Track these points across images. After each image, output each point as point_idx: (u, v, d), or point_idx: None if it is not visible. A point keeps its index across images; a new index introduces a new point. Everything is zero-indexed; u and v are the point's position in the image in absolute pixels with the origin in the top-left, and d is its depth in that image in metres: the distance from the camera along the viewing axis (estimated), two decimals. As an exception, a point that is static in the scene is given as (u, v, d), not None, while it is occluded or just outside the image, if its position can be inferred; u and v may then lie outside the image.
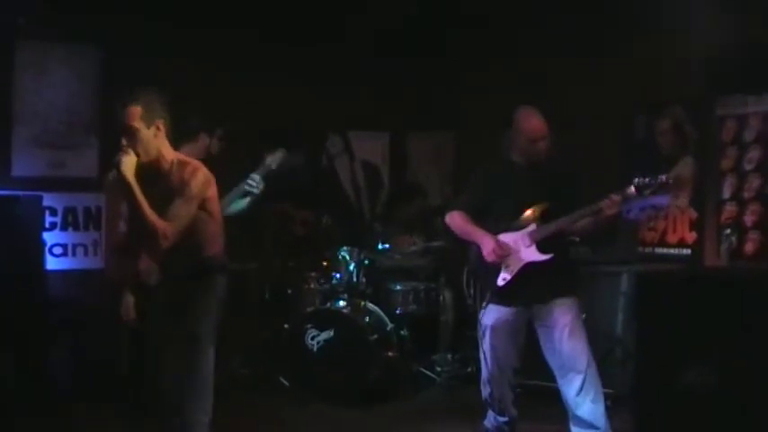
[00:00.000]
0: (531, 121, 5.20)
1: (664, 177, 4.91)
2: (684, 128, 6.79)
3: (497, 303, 5.27)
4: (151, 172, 4.33)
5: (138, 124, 4.28)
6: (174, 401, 4.48)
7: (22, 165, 7.02)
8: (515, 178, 5.27)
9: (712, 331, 4.52)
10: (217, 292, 4.56)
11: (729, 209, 6.37)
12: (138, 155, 4.25)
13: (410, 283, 7.25)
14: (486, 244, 5.16)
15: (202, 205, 4.43)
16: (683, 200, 6.68)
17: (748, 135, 6.32)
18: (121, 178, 4.20)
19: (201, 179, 4.40)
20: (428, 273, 7.41)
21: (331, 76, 8.10)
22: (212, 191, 4.50)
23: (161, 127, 4.36)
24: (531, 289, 5.12)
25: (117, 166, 4.21)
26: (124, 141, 4.27)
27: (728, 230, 6.29)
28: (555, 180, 5.18)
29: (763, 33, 6.04)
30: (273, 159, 5.94)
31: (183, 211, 4.30)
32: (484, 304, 5.33)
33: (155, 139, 4.34)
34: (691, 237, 6.64)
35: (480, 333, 5.40)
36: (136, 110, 4.29)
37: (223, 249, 4.61)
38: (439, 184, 8.85)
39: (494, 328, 5.29)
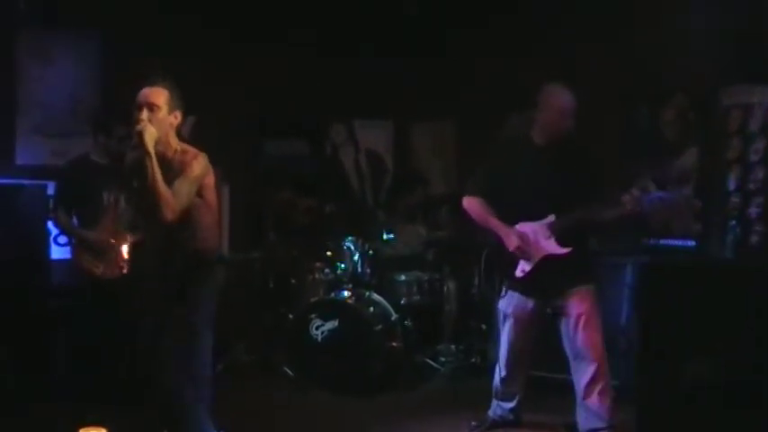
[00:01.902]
0: (563, 96, 5.12)
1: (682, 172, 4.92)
2: (689, 118, 6.77)
3: (517, 291, 5.28)
4: (157, 158, 4.36)
5: (161, 105, 4.41)
6: (172, 391, 4.50)
7: (26, 153, 7.01)
8: (532, 161, 5.19)
9: (717, 322, 4.51)
10: (214, 284, 4.58)
11: (734, 200, 6.36)
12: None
13: (414, 273, 7.24)
14: (510, 240, 5.13)
15: (199, 191, 4.50)
16: (688, 191, 6.67)
17: (754, 125, 6.29)
18: (143, 146, 4.28)
19: (202, 163, 4.50)
20: (432, 263, 7.40)
21: (335, 65, 8.08)
22: (210, 179, 4.56)
23: (178, 117, 4.49)
24: (549, 280, 5.12)
25: (139, 135, 4.30)
26: (144, 116, 4.36)
27: (733, 222, 6.28)
28: (574, 164, 5.12)
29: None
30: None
31: (185, 188, 4.39)
32: (503, 291, 5.34)
33: (170, 126, 4.47)
34: (695, 228, 6.63)
35: (500, 319, 5.43)
36: (163, 92, 4.44)
37: (219, 242, 4.64)
38: (442, 174, 8.84)
39: (513, 316, 5.33)
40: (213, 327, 4.56)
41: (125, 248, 5.88)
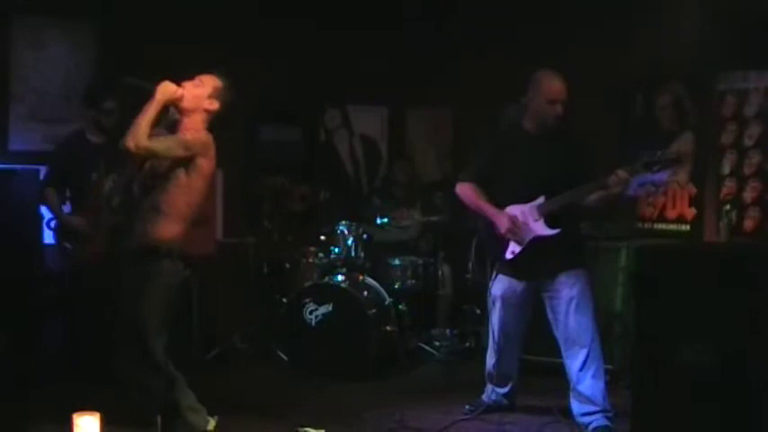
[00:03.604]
0: (553, 82, 5.15)
1: (673, 154, 4.91)
2: (684, 103, 6.77)
3: (506, 274, 5.28)
4: (173, 127, 4.54)
5: (206, 85, 4.58)
6: (135, 381, 4.51)
7: (19, 139, 6.99)
8: (524, 147, 5.22)
9: (711, 307, 4.50)
10: (163, 278, 4.51)
11: (729, 185, 6.37)
12: (180, 99, 4.51)
13: (409, 257, 7.25)
14: (501, 221, 5.14)
15: (193, 162, 4.50)
16: (683, 176, 6.67)
17: (749, 111, 6.30)
18: (152, 88, 4.41)
19: (200, 138, 4.55)
20: (427, 247, 7.40)
21: (330, 50, 8.06)
22: (205, 162, 4.56)
23: (215, 107, 4.61)
24: (539, 262, 5.13)
25: (157, 84, 4.42)
26: (187, 84, 4.54)
27: (728, 207, 6.29)
28: (564, 149, 5.15)
29: (765, 8, 6.00)
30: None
31: (165, 141, 4.47)
32: (493, 275, 5.35)
33: (203, 109, 4.59)
34: (690, 213, 6.64)
35: (490, 303, 5.42)
36: (216, 80, 4.63)
37: (179, 235, 4.56)
38: (436, 161, 8.84)
39: (503, 299, 5.32)
40: (162, 321, 4.51)
41: (103, 233, 5.82)
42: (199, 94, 4.57)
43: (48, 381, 5.85)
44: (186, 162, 4.48)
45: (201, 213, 4.78)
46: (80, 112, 6.31)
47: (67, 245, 5.92)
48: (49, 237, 6.59)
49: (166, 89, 4.45)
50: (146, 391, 4.52)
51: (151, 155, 4.44)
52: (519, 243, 5.14)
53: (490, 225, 5.25)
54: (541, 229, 5.09)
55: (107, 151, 5.86)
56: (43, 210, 6.31)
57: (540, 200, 5.11)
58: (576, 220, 5.31)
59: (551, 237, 5.07)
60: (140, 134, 4.32)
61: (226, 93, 4.64)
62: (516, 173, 5.21)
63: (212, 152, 4.57)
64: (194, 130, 4.56)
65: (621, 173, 4.87)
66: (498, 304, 5.36)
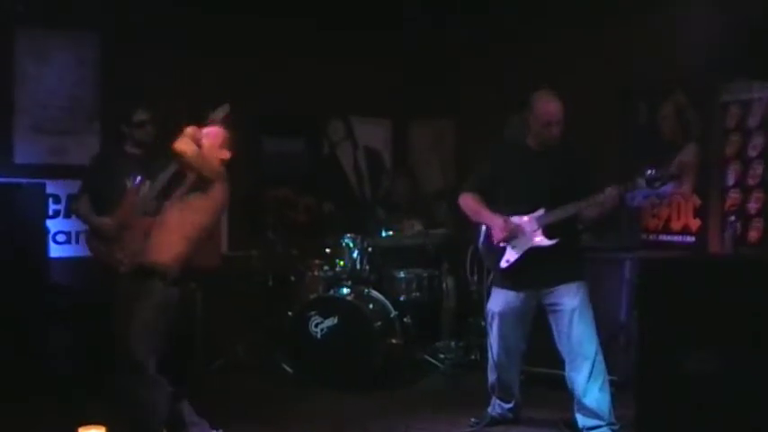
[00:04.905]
0: (547, 106, 5.17)
1: (674, 170, 4.93)
2: (687, 114, 6.77)
3: (503, 287, 5.29)
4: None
5: (217, 136, 4.91)
6: (132, 396, 4.52)
7: (25, 152, 7.01)
8: (525, 161, 5.26)
9: (716, 318, 4.51)
10: (152, 299, 4.53)
11: (733, 196, 6.36)
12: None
13: (413, 270, 7.24)
14: (495, 223, 5.19)
15: (211, 187, 4.64)
16: (687, 187, 6.66)
17: (752, 121, 6.29)
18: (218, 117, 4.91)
19: (220, 170, 4.76)
20: (431, 260, 7.39)
21: (333, 62, 8.07)
22: (222, 190, 4.71)
23: (227, 156, 4.91)
24: (537, 273, 5.14)
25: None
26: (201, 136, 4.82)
27: (732, 218, 6.28)
28: (565, 165, 5.17)
29: (768, 18, 6.02)
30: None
31: (202, 156, 4.68)
32: (489, 287, 5.36)
33: (217, 157, 4.83)
34: (695, 224, 6.63)
35: (488, 318, 5.41)
36: (224, 132, 4.94)
37: (176, 259, 4.60)
38: (440, 171, 8.84)
39: (501, 314, 5.31)
40: (154, 341, 4.53)
41: (135, 237, 5.81)
42: (211, 145, 4.80)
43: (52, 392, 5.84)
44: (204, 186, 4.62)
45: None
46: (85, 131, 6.29)
47: (102, 247, 5.88)
48: (54, 250, 6.60)
49: (225, 108, 5.00)
50: (145, 406, 4.52)
51: (181, 156, 4.61)
52: (515, 251, 5.16)
53: (488, 234, 5.28)
54: (539, 239, 5.12)
55: (145, 163, 5.83)
56: (49, 223, 6.31)
57: (540, 212, 5.14)
58: (575, 232, 5.33)
59: (549, 247, 5.10)
60: (188, 136, 4.66)
61: (232, 141, 4.92)
62: (518, 186, 5.26)
63: (226, 185, 4.73)
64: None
65: (610, 190, 4.94)
66: (496, 320, 5.36)
